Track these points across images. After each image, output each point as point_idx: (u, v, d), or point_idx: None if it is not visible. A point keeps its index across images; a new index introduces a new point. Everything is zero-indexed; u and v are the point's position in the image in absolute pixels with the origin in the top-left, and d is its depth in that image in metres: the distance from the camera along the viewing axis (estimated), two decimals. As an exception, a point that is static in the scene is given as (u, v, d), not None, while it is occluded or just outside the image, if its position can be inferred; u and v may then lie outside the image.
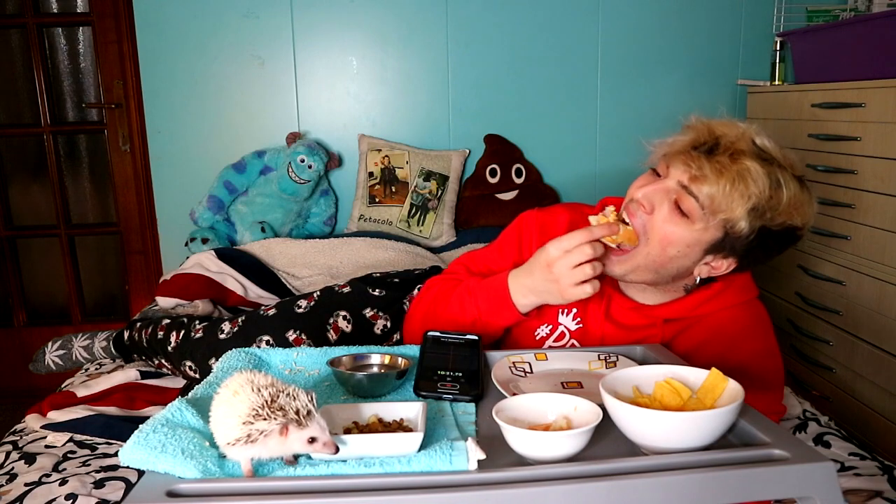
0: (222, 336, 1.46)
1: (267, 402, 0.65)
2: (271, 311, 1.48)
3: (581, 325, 1.15)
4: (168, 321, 1.62)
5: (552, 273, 0.99)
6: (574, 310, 1.16)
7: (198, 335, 1.50)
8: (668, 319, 1.09)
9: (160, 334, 1.58)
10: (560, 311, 1.17)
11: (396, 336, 1.48)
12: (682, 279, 1.07)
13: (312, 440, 0.65)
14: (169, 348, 1.54)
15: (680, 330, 1.10)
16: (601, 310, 1.12)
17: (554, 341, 1.17)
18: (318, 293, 1.51)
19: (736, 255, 1.02)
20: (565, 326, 1.16)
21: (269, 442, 0.64)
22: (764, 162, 0.97)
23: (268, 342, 1.41)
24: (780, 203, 0.97)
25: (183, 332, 1.54)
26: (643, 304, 1.11)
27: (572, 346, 1.15)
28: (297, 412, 0.64)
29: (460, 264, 1.28)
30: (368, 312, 1.47)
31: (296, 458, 0.68)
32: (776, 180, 0.97)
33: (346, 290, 1.51)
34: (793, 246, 1.03)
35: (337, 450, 0.65)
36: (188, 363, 1.50)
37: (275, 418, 0.64)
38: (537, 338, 1.17)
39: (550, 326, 1.17)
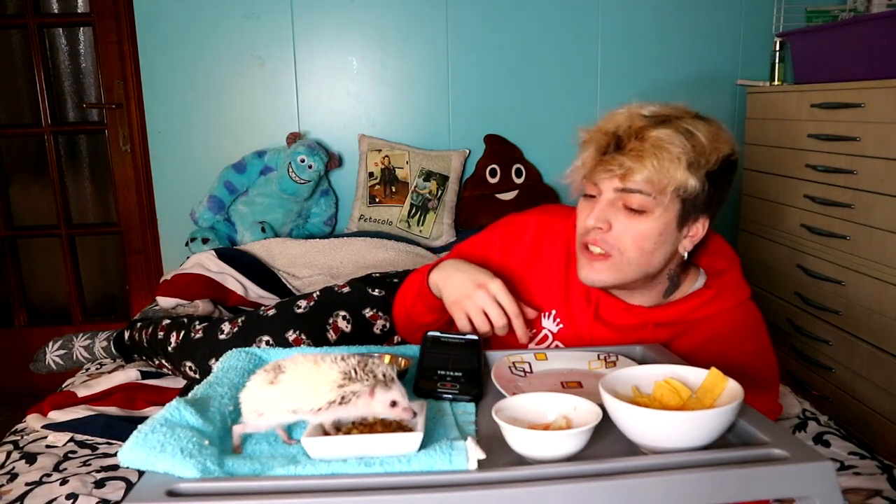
0: (222, 336, 1.46)
1: (355, 367, 0.70)
2: (271, 312, 1.48)
3: (562, 326, 1.15)
4: (168, 321, 1.62)
5: (473, 291, 1.06)
6: (553, 311, 1.16)
7: (198, 336, 1.50)
8: (660, 323, 1.09)
9: (160, 334, 1.58)
10: (542, 314, 1.17)
11: (397, 338, 1.48)
12: (670, 264, 1.07)
13: (394, 404, 0.69)
14: (169, 349, 1.54)
15: (674, 335, 1.10)
16: (590, 311, 1.13)
17: (536, 344, 1.17)
18: (318, 293, 1.51)
19: (702, 211, 1.03)
20: (548, 329, 1.17)
21: (358, 403, 0.69)
22: (664, 124, 0.99)
23: (267, 342, 1.41)
24: (703, 145, 0.99)
25: (183, 332, 1.54)
26: (633, 304, 1.11)
27: (556, 347, 1.15)
28: (384, 376, 0.70)
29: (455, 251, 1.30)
30: (368, 312, 1.47)
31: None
32: (685, 130, 0.99)
33: (346, 290, 1.51)
34: (734, 172, 1.05)
35: (414, 415, 0.70)
36: (188, 363, 1.50)
37: (366, 380, 0.69)
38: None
39: (533, 330, 1.18)
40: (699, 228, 1.05)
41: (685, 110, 1.03)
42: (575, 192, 1.09)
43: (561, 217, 1.20)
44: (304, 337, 1.41)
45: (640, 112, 1.02)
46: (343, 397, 0.69)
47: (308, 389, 0.69)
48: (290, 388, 0.70)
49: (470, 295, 1.06)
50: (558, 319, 1.16)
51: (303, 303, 1.48)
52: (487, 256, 1.23)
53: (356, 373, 0.70)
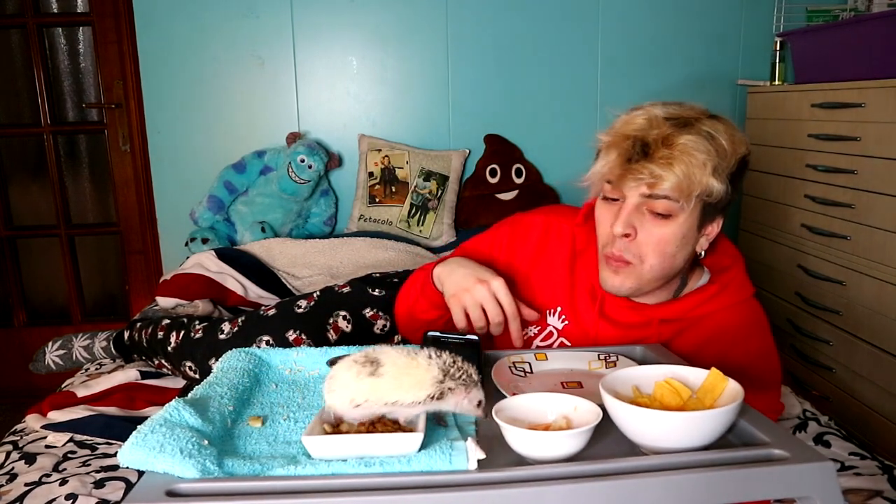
0: (222, 336, 1.46)
1: (450, 364, 0.73)
2: (271, 312, 1.48)
3: (567, 323, 1.15)
4: (168, 321, 1.62)
5: (473, 286, 1.05)
6: (559, 308, 1.16)
7: (198, 335, 1.50)
8: (665, 320, 1.09)
9: (160, 334, 1.58)
10: (547, 311, 1.17)
11: (397, 337, 1.48)
12: (686, 264, 1.08)
13: (480, 403, 0.73)
14: (169, 349, 1.54)
15: (678, 331, 1.10)
16: (595, 309, 1.13)
17: (542, 341, 1.18)
18: (318, 293, 1.51)
19: (720, 211, 1.04)
20: (553, 326, 1.17)
21: (450, 398, 0.72)
22: (686, 127, 0.98)
23: (268, 342, 1.41)
24: (725, 148, 0.99)
25: (183, 332, 1.54)
26: (638, 302, 1.11)
27: (562, 344, 1.15)
28: (474, 376, 0.74)
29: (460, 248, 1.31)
30: (368, 312, 1.47)
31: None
32: (707, 134, 0.98)
33: (346, 290, 1.51)
34: (747, 170, 1.05)
35: (486, 416, 0.73)
36: (188, 363, 1.50)
37: (462, 379, 0.72)
38: (525, 338, 1.18)
39: (538, 328, 1.18)
40: (715, 227, 1.06)
41: (701, 110, 1.03)
42: (594, 194, 1.08)
43: (566, 216, 1.21)
44: (304, 337, 1.41)
45: (659, 114, 1.00)
46: (442, 393, 0.71)
47: (412, 383, 0.71)
48: (392, 381, 0.71)
49: (470, 289, 1.05)
50: (564, 316, 1.16)
51: (303, 303, 1.48)
52: (493, 255, 1.23)
53: (451, 370, 0.72)
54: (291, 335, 1.41)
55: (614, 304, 1.11)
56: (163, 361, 1.59)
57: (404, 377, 0.71)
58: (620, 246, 1.02)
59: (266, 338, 1.41)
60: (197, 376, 1.50)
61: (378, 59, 2.56)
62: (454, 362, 0.73)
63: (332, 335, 1.44)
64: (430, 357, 0.72)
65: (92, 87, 2.71)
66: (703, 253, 1.08)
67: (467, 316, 1.06)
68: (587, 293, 1.14)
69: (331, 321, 1.44)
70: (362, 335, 1.45)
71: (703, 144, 0.97)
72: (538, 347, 1.16)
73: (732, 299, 1.10)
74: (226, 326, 1.48)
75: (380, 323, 1.47)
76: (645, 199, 1.00)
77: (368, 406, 0.71)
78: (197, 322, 1.56)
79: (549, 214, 1.23)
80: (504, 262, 1.22)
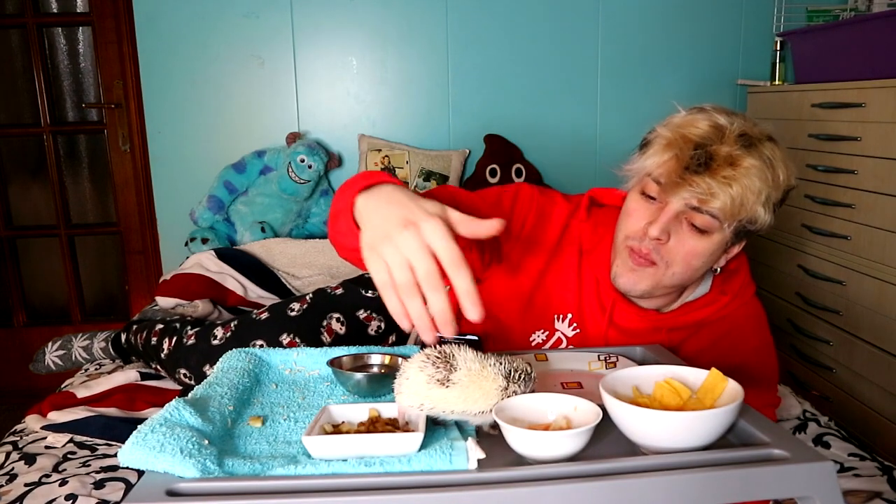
0: (215, 342, 1.44)
1: (511, 368, 0.73)
2: (264, 315, 1.46)
3: (578, 331, 1.13)
4: (161, 327, 1.59)
5: (397, 232, 0.71)
6: (569, 315, 1.14)
7: (190, 342, 1.48)
8: (674, 328, 1.09)
9: (153, 340, 1.57)
10: (556, 317, 1.15)
11: (392, 338, 1.48)
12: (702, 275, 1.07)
13: (533, 391, 0.75)
14: (162, 355, 1.52)
15: (686, 336, 1.10)
16: (605, 318, 1.11)
17: (550, 348, 1.15)
18: (311, 296, 1.50)
19: (749, 235, 1.02)
20: (562, 333, 1.15)
21: None
22: (751, 148, 0.94)
23: (261, 346, 1.40)
24: (780, 180, 0.96)
25: (175, 338, 1.51)
26: (647, 309, 1.10)
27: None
28: (534, 376, 0.75)
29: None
30: (362, 314, 1.46)
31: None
32: (768, 161, 0.95)
33: (339, 291, 1.50)
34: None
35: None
36: (182, 370, 1.48)
37: (523, 379, 0.73)
38: (533, 343, 1.16)
39: (546, 333, 1.15)
40: (737, 248, 1.05)
41: (761, 129, 0.98)
42: (631, 185, 1.04)
43: (575, 214, 1.16)
44: (298, 340, 1.40)
45: (728, 126, 0.95)
46: (508, 399, 0.72)
47: (480, 395, 0.71)
48: (461, 392, 0.71)
49: (392, 236, 0.71)
50: (575, 324, 1.13)
51: (296, 305, 1.46)
52: (512, 234, 1.14)
53: (511, 373, 0.73)
54: (285, 339, 1.40)
55: (625, 312, 1.09)
56: (158, 367, 1.58)
57: (473, 388, 0.71)
58: (650, 245, 0.99)
59: (260, 342, 1.39)
60: (192, 382, 1.48)
61: (378, 59, 2.56)
62: (511, 362, 0.74)
63: (326, 338, 1.43)
64: (493, 365, 0.73)
65: (92, 87, 2.71)
66: (718, 269, 1.06)
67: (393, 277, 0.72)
68: (595, 298, 1.11)
69: (324, 324, 1.43)
70: (356, 337, 1.44)
71: (765, 172, 0.94)
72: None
73: (738, 301, 1.11)
74: (218, 332, 1.45)
75: (374, 324, 1.46)
76: (687, 210, 0.96)
77: (435, 412, 0.72)
78: (189, 328, 1.54)
79: (568, 203, 1.17)
80: (520, 248, 1.14)
